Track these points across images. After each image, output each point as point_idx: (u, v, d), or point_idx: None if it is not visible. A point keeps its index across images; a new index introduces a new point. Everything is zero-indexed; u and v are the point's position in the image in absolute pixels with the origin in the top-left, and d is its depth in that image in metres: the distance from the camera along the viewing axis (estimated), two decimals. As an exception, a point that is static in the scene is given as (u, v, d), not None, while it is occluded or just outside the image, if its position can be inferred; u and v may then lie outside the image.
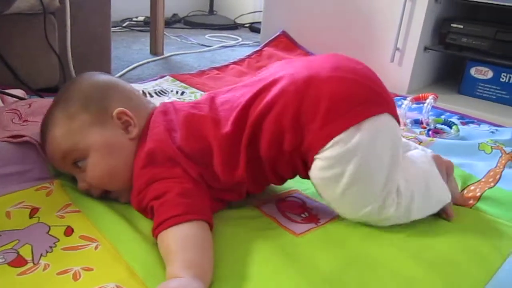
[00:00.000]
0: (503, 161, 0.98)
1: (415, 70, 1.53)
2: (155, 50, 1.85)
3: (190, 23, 2.59)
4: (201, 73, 1.52)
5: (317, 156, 0.64)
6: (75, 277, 0.55)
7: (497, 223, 0.75)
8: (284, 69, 0.69)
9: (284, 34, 1.79)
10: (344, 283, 0.58)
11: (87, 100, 0.68)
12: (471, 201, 0.81)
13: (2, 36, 1.06)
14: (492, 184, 0.88)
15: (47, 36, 1.11)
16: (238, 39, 2.29)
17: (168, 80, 1.42)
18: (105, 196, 0.70)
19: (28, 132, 0.74)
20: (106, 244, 0.61)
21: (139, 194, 0.64)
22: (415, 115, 1.24)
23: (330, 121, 0.62)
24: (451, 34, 1.50)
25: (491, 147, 1.04)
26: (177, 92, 1.32)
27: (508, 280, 0.62)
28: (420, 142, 1.03)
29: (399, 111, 1.21)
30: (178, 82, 1.41)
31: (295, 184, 0.81)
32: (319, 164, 0.64)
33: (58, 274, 0.55)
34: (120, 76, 1.51)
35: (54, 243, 0.60)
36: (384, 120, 0.65)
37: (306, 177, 0.69)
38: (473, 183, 0.87)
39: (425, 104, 1.18)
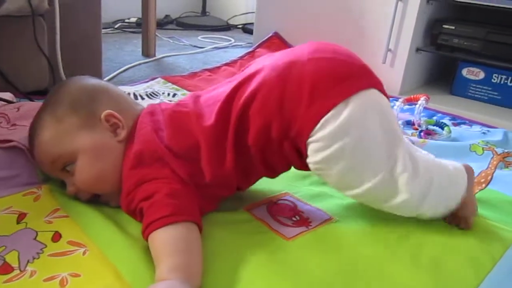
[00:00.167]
0: (495, 162, 0.98)
1: (407, 71, 1.53)
2: (147, 51, 1.84)
3: (183, 24, 2.58)
4: (193, 75, 1.52)
5: (309, 140, 0.62)
6: (62, 283, 0.54)
7: (489, 225, 0.75)
8: (265, 61, 0.68)
9: (276, 35, 1.79)
10: (334, 287, 0.57)
11: (76, 103, 0.68)
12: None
13: (-10, 39, 1.05)
14: (483, 185, 0.88)
15: (37, 39, 1.10)
16: (230, 40, 2.28)
17: (160, 82, 1.41)
18: (95, 200, 0.69)
19: (16, 137, 0.74)
20: (94, 249, 0.60)
21: (128, 195, 0.63)
22: (407, 116, 1.24)
23: (316, 100, 0.61)
24: (443, 35, 1.50)
25: (483, 148, 1.04)
26: (168, 94, 1.31)
27: (499, 283, 0.62)
28: (412, 143, 1.03)
29: (391, 113, 1.21)
30: (169, 84, 1.40)
31: (286, 187, 0.81)
32: (314, 147, 0.62)
33: (44, 280, 0.54)
34: (111, 78, 1.50)
35: (41, 249, 0.60)
36: (371, 94, 0.64)
37: (302, 167, 0.68)
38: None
39: (417, 106, 1.18)
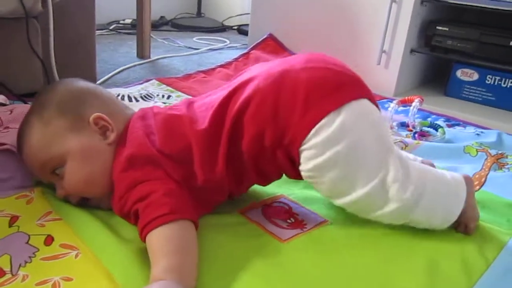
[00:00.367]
0: (489, 164, 0.98)
1: (401, 72, 1.53)
2: (141, 53, 1.83)
3: (178, 26, 2.58)
4: (188, 76, 1.51)
5: (302, 147, 0.63)
6: (55, 287, 0.54)
7: (483, 227, 0.75)
8: (259, 69, 0.69)
9: (271, 37, 1.79)
10: (328, 290, 0.57)
11: (63, 106, 0.67)
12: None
13: (-17, 41, 1.05)
14: (477, 187, 0.88)
15: (30, 41, 1.09)
16: (226, 42, 2.28)
17: (154, 84, 1.41)
18: (85, 204, 0.69)
19: (9, 140, 0.73)
20: (86, 252, 0.60)
21: (121, 199, 0.63)
22: (401, 118, 1.25)
23: (310, 108, 0.62)
24: (437, 36, 1.51)
25: (477, 149, 1.04)
26: (163, 96, 1.31)
27: (493, 285, 0.62)
28: (406, 145, 1.04)
29: (385, 114, 1.21)
30: (164, 86, 1.40)
31: (281, 190, 0.81)
32: (307, 154, 0.63)
33: (37, 284, 0.54)
34: (106, 80, 1.50)
35: (33, 253, 0.59)
36: (362, 104, 0.65)
37: (294, 175, 0.68)
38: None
39: (411, 107, 1.19)
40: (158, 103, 1.23)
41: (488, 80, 1.48)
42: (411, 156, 0.82)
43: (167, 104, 1.19)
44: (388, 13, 1.48)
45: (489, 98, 1.50)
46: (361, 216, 0.68)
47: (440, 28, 1.50)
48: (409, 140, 1.08)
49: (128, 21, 2.39)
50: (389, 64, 1.54)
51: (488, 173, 0.94)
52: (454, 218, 0.68)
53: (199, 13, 2.80)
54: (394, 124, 1.20)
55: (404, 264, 0.63)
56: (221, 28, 2.65)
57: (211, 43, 2.25)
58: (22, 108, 0.87)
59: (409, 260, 0.64)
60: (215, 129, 0.65)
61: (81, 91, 0.71)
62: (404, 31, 1.48)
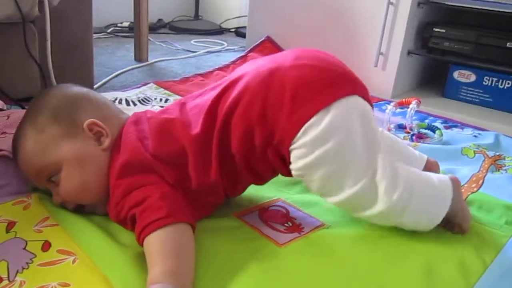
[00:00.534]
0: (486, 165, 0.98)
1: (399, 74, 1.53)
2: (139, 56, 1.83)
3: (175, 28, 2.58)
4: (185, 79, 1.51)
5: (292, 147, 0.63)
6: (52, 293, 0.54)
7: (480, 229, 0.75)
8: (248, 67, 0.69)
9: (268, 40, 1.79)
10: (326, 294, 0.57)
11: (56, 113, 0.67)
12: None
13: (-20, 46, 1.04)
14: (475, 189, 0.88)
15: (27, 45, 1.09)
16: (223, 44, 2.28)
17: (152, 88, 1.41)
18: (82, 210, 0.69)
19: (6, 146, 0.73)
20: (84, 258, 0.60)
21: (116, 205, 0.63)
22: (399, 120, 1.25)
23: (298, 107, 0.61)
24: (434, 38, 1.51)
25: (474, 151, 1.04)
26: (161, 100, 1.31)
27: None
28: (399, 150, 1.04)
29: (383, 116, 1.22)
30: (162, 89, 1.40)
31: (278, 193, 0.81)
32: (297, 153, 0.63)
33: (34, 291, 0.54)
34: (103, 84, 1.50)
35: (30, 259, 0.59)
36: (354, 101, 0.64)
37: (287, 173, 0.68)
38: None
39: (409, 109, 1.19)
40: (155, 106, 1.23)
41: (486, 82, 1.49)
42: (416, 153, 0.81)
43: (164, 107, 1.19)
44: (385, 15, 1.48)
45: (487, 99, 1.50)
46: (353, 215, 0.68)
47: (437, 30, 1.50)
48: (407, 142, 1.08)
49: (126, 24, 2.39)
50: (386, 66, 1.54)
51: (486, 174, 0.94)
52: (438, 221, 0.68)
53: (196, 16, 2.80)
54: (392, 126, 1.20)
55: (401, 267, 0.63)
56: (219, 31, 2.65)
57: (209, 45, 2.25)
58: (19, 113, 0.87)
59: (406, 263, 0.64)
60: (207, 133, 0.65)
61: (75, 97, 0.71)
62: (401, 33, 1.48)
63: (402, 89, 1.58)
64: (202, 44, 2.27)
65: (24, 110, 0.91)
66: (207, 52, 2.13)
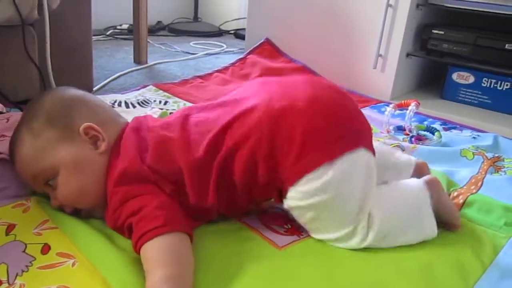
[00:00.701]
0: (485, 167, 0.99)
1: (397, 76, 1.54)
2: (138, 58, 1.83)
3: (175, 31, 2.58)
4: (185, 82, 1.51)
5: (291, 187, 0.65)
6: (51, 296, 0.54)
7: (480, 230, 0.76)
8: (259, 94, 0.68)
9: (268, 42, 1.79)
10: (325, 296, 0.58)
11: (52, 117, 0.67)
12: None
13: (-20, 49, 1.05)
14: (474, 190, 0.88)
15: (27, 48, 1.09)
16: (222, 46, 2.29)
17: (151, 90, 1.41)
18: (79, 214, 0.69)
19: (5, 149, 0.73)
20: (83, 261, 0.60)
21: (114, 212, 0.63)
22: (398, 121, 1.25)
23: (304, 155, 0.63)
24: (432, 40, 1.52)
25: (473, 153, 1.04)
26: (160, 102, 1.31)
27: (488, 290, 0.62)
28: (403, 149, 1.04)
29: (382, 118, 1.22)
30: (161, 91, 1.40)
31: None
32: (293, 195, 0.65)
33: (33, 294, 0.54)
34: (102, 86, 1.50)
35: (30, 261, 0.59)
36: (358, 155, 0.65)
37: (279, 201, 0.69)
38: (455, 189, 0.87)
39: (408, 111, 1.19)
40: (155, 109, 1.23)
41: (484, 83, 1.49)
42: (404, 159, 0.82)
43: (163, 110, 1.20)
44: (384, 17, 1.48)
45: (485, 101, 1.50)
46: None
47: (435, 31, 1.51)
48: (406, 144, 1.08)
49: (125, 26, 2.39)
50: (385, 68, 1.54)
51: (485, 176, 0.94)
52: (433, 234, 0.70)
53: (196, 18, 2.81)
54: (391, 128, 1.20)
55: (400, 270, 0.64)
56: (218, 33, 2.65)
57: (208, 47, 2.25)
58: (18, 116, 0.86)
59: (405, 265, 0.65)
60: (209, 158, 0.65)
61: (70, 100, 0.70)
62: (400, 35, 1.48)
63: (401, 91, 1.59)
64: (201, 46, 2.27)
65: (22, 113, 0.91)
66: (206, 54, 2.13)
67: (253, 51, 1.77)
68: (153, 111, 1.18)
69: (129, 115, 0.78)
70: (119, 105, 1.25)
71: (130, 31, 2.25)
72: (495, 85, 1.47)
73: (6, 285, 0.55)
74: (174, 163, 0.65)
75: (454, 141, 1.15)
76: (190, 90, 1.44)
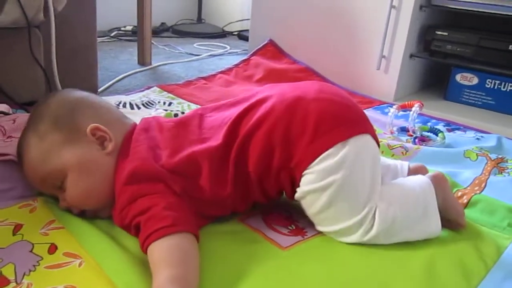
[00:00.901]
0: (489, 168, 0.99)
1: (401, 77, 1.54)
2: (142, 60, 1.84)
3: (178, 32, 2.59)
4: (188, 83, 1.52)
5: (305, 172, 0.66)
6: (58, 296, 0.54)
7: (483, 231, 0.76)
8: (272, 90, 0.72)
9: (271, 43, 1.80)
10: (329, 297, 0.58)
11: (57, 119, 0.68)
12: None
13: (-14, 50, 1.06)
14: (477, 191, 0.88)
15: (32, 50, 1.10)
16: (226, 47, 2.29)
17: (155, 91, 1.42)
18: (85, 215, 0.69)
19: (12, 150, 0.74)
20: (90, 261, 0.60)
21: (121, 211, 0.64)
22: (401, 122, 1.25)
23: (318, 137, 0.65)
24: (436, 41, 1.52)
25: (477, 154, 1.05)
26: (164, 103, 1.32)
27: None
28: (406, 151, 1.04)
29: (386, 119, 1.22)
30: (165, 93, 1.41)
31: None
32: (308, 178, 0.66)
33: (41, 293, 0.54)
34: (107, 87, 1.51)
35: (37, 261, 0.60)
36: (367, 139, 0.68)
37: (291, 195, 0.70)
38: (459, 189, 0.87)
39: (411, 112, 1.19)
40: (159, 110, 1.24)
41: (488, 84, 1.49)
42: (398, 166, 0.82)
43: (168, 111, 1.20)
44: (387, 18, 1.49)
45: (489, 102, 1.50)
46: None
47: (439, 33, 1.51)
48: (409, 145, 1.08)
49: (129, 28, 2.40)
50: (388, 69, 1.55)
51: (488, 177, 0.94)
52: (437, 232, 0.70)
53: (199, 19, 2.81)
54: (394, 129, 1.20)
55: (403, 270, 0.64)
56: (222, 34, 2.66)
57: (212, 49, 2.26)
58: (24, 117, 0.87)
59: (408, 265, 0.65)
60: (227, 146, 0.67)
61: (75, 102, 0.71)
62: (403, 36, 1.49)
63: (404, 92, 1.59)
64: (205, 48, 2.28)
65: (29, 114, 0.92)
66: (210, 55, 2.14)
67: (257, 52, 1.78)
68: (157, 112, 1.19)
69: (133, 116, 0.79)
70: (124, 106, 1.26)
71: (134, 32, 2.26)
72: (499, 86, 1.47)
73: (14, 284, 0.56)
74: (191, 155, 0.66)
75: (458, 142, 1.15)
76: (194, 91, 1.45)
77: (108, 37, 2.31)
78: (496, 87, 1.48)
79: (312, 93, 0.69)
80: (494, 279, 0.64)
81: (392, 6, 1.47)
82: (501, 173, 0.98)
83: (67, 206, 0.69)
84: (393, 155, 1.02)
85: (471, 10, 1.41)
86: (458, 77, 1.54)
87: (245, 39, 2.34)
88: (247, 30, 2.20)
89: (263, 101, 0.70)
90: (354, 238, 0.67)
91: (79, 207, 0.68)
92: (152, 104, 1.30)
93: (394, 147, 1.05)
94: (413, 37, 1.52)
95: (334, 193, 0.65)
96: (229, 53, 2.22)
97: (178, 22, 2.74)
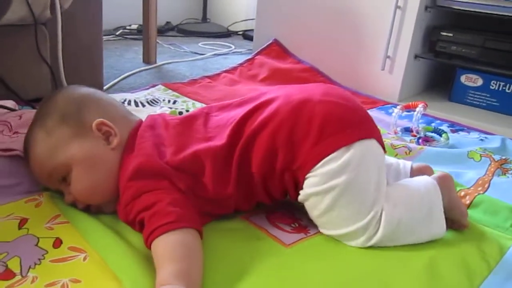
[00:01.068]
0: (492, 169, 0.99)
1: (405, 77, 1.54)
2: (147, 58, 1.85)
3: (183, 31, 2.60)
4: (193, 81, 1.53)
5: (308, 175, 0.66)
6: (63, 289, 0.55)
7: (485, 232, 0.76)
8: (278, 92, 0.72)
9: (276, 42, 1.80)
10: (331, 294, 0.58)
11: (64, 114, 0.68)
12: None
13: (-7, 47, 1.06)
14: (481, 192, 0.88)
15: (39, 47, 1.11)
16: (231, 47, 2.30)
17: (160, 89, 1.42)
18: (89, 209, 0.70)
19: (18, 145, 0.74)
20: (94, 255, 0.61)
21: (126, 207, 0.64)
22: (405, 123, 1.25)
23: (323, 139, 0.65)
24: (441, 42, 1.52)
25: (480, 155, 1.05)
26: (169, 101, 1.32)
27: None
28: (410, 150, 1.04)
29: (390, 119, 1.22)
30: (170, 91, 1.42)
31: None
32: (311, 181, 0.66)
33: (46, 286, 0.55)
34: (112, 85, 1.51)
35: (42, 255, 0.60)
36: (372, 144, 0.68)
37: (295, 197, 0.70)
38: (462, 189, 0.87)
39: (415, 112, 1.19)
40: (164, 108, 1.25)
41: (493, 86, 1.49)
42: (400, 166, 0.81)
43: (172, 109, 1.21)
44: (393, 19, 1.49)
45: (494, 103, 1.50)
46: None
47: (444, 33, 1.51)
48: (413, 145, 1.08)
49: (134, 26, 2.41)
50: (393, 70, 1.54)
51: (492, 178, 0.94)
52: (441, 234, 0.70)
53: (204, 19, 2.82)
54: (398, 129, 1.20)
55: (406, 269, 0.64)
56: (226, 34, 2.67)
57: (216, 48, 2.27)
58: (31, 114, 0.88)
59: (411, 265, 0.65)
60: (231, 146, 0.67)
61: (82, 98, 0.72)
62: (408, 36, 1.49)
63: (408, 92, 1.59)
64: (210, 47, 2.28)
65: (35, 111, 0.93)
66: (215, 54, 2.14)
67: (261, 51, 1.78)
68: (162, 110, 1.20)
69: (138, 114, 0.79)
70: (129, 104, 1.27)
71: (139, 31, 2.27)
72: (504, 88, 1.47)
73: (19, 277, 0.56)
74: (195, 154, 0.67)
75: (462, 143, 1.15)
76: (199, 90, 1.45)
77: (114, 35, 2.32)
78: (500, 88, 1.48)
79: (317, 96, 0.69)
80: (497, 279, 0.64)
81: (397, 7, 1.47)
82: (505, 174, 0.98)
83: (72, 201, 0.69)
84: (396, 155, 1.02)
85: (476, 11, 1.40)
86: (462, 78, 1.54)
87: (250, 39, 2.35)
88: (251, 30, 2.20)
89: (269, 103, 0.70)
90: (358, 242, 0.67)
91: (84, 201, 0.69)
92: (157, 102, 1.30)
93: (397, 147, 1.05)
94: (418, 38, 1.52)
95: (337, 196, 0.65)
96: (234, 52, 2.23)
97: (183, 21, 2.75)
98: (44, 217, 0.68)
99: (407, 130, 1.21)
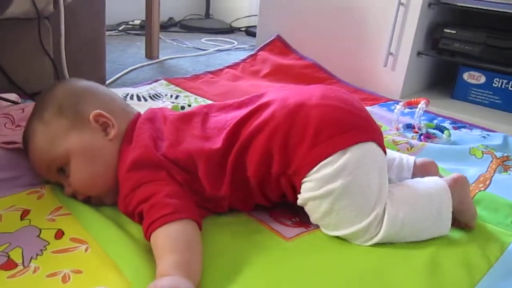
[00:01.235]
0: (494, 166, 0.99)
1: (408, 74, 1.54)
2: (150, 54, 1.85)
3: (186, 27, 2.60)
4: (196, 77, 1.53)
5: (304, 179, 0.65)
6: (64, 279, 0.55)
7: (486, 228, 0.76)
8: (275, 95, 0.71)
9: (279, 39, 1.80)
10: None
11: (62, 106, 0.69)
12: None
13: (-4, 41, 1.07)
14: (482, 188, 0.88)
15: (42, 41, 1.11)
16: (234, 43, 2.30)
17: (163, 84, 1.43)
18: (89, 201, 0.70)
19: (21, 138, 0.75)
20: (95, 247, 0.61)
21: (125, 198, 0.65)
22: (407, 119, 1.25)
23: (318, 144, 0.64)
24: (444, 39, 1.51)
25: (482, 152, 1.04)
26: (171, 96, 1.32)
27: (494, 287, 0.62)
28: (412, 147, 1.04)
29: (392, 116, 1.22)
30: (172, 86, 1.42)
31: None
32: (308, 186, 0.65)
33: (47, 276, 0.55)
34: (114, 80, 1.52)
35: (44, 246, 0.61)
36: (370, 146, 0.67)
37: (294, 201, 0.69)
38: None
39: (417, 109, 1.19)
40: (166, 102, 1.25)
41: (495, 83, 1.49)
42: (403, 161, 0.81)
43: (175, 104, 1.21)
44: (395, 16, 1.48)
45: (496, 101, 1.50)
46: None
47: (447, 31, 1.50)
48: (415, 141, 1.08)
49: (137, 22, 2.41)
50: (396, 66, 1.54)
51: (493, 175, 0.94)
52: (445, 232, 0.70)
53: (207, 15, 2.82)
54: (400, 125, 1.20)
55: (407, 264, 0.64)
56: (229, 30, 2.66)
57: (219, 44, 2.27)
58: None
59: (412, 260, 0.65)
60: (226, 150, 0.67)
61: (80, 90, 0.72)
62: (411, 33, 1.48)
63: (411, 89, 1.59)
64: (213, 43, 2.28)
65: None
66: (217, 50, 2.14)
67: (264, 47, 1.78)
68: (164, 105, 1.20)
69: (140, 108, 0.79)
70: (131, 98, 1.27)
71: (142, 26, 2.28)
72: (506, 86, 1.47)
73: (21, 267, 0.57)
74: (189, 153, 0.67)
75: (464, 140, 1.15)
76: (201, 85, 1.45)
77: (117, 31, 2.32)
78: (503, 86, 1.47)
79: (314, 99, 0.68)
80: (497, 275, 0.64)
81: (400, 3, 1.47)
82: (506, 171, 0.98)
83: (72, 193, 0.70)
84: (398, 151, 1.02)
85: (480, 8, 1.40)
86: (465, 76, 1.54)
87: (253, 35, 2.35)
88: (254, 26, 2.20)
89: (265, 106, 0.69)
90: (360, 241, 0.67)
91: (83, 193, 0.69)
92: (159, 97, 1.31)
93: (399, 143, 1.05)
94: (421, 35, 1.52)
95: (335, 200, 0.64)
96: (236, 48, 2.23)
97: (186, 17, 2.75)
98: (46, 209, 0.69)
99: (409, 127, 1.21)
